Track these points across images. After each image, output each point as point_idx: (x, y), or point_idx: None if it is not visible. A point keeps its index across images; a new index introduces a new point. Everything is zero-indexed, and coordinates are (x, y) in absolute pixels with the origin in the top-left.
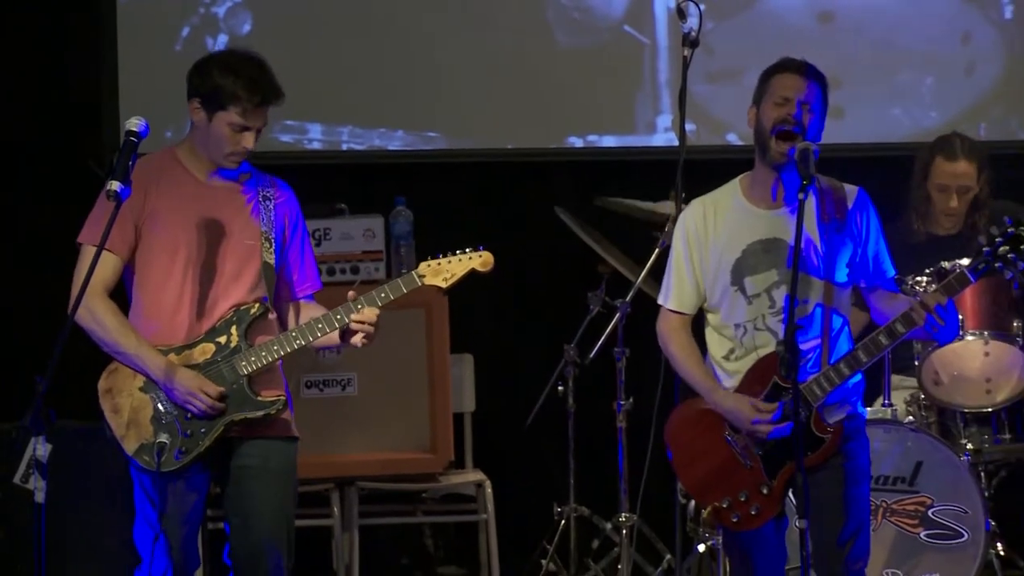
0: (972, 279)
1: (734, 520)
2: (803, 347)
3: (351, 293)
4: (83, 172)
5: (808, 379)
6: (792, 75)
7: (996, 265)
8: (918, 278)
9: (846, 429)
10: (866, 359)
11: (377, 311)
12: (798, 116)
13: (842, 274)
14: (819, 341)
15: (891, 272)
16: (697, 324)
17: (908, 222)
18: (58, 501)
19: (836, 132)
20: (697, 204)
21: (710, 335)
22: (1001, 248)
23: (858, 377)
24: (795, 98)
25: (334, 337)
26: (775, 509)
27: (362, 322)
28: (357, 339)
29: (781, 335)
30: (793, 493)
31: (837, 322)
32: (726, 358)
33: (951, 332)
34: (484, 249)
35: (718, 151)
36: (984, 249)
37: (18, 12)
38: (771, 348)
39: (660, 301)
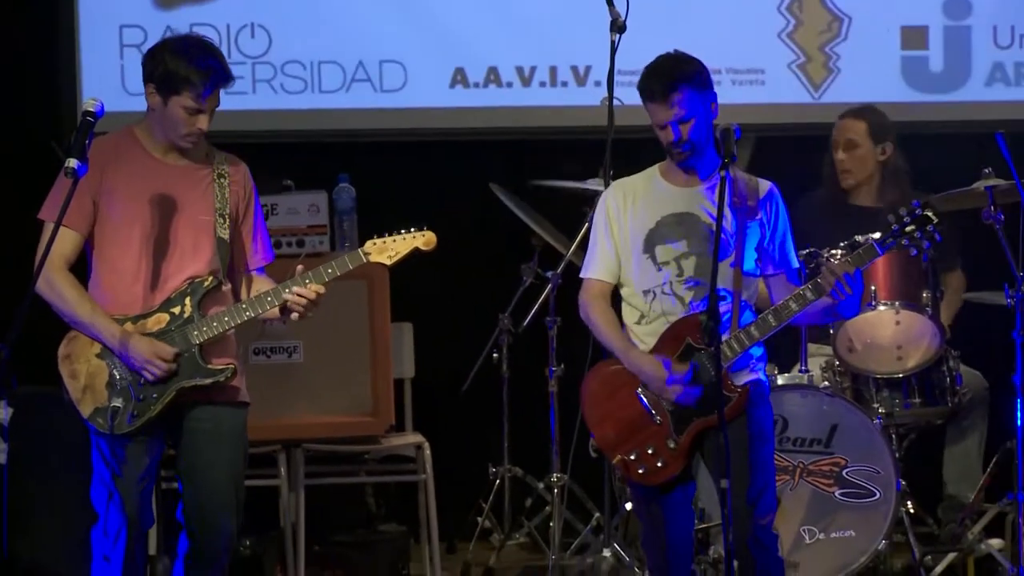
0: (880, 252)
1: (640, 472)
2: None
3: (299, 267)
4: (45, 151)
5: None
6: (651, 103)
7: (903, 242)
8: (832, 251)
9: (751, 393)
10: (775, 323)
11: (322, 288)
12: (677, 140)
13: (750, 257)
14: (729, 308)
15: (795, 264)
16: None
17: (825, 190)
18: (20, 462)
19: None
20: (617, 185)
21: (624, 307)
22: (908, 227)
23: (761, 349)
24: (668, 123)
25: (275, 311)
26: (680, 464)
27: (301, 296)
28: (292, 315)
29: (688, 301)
30: (701, 455)
31: (746, 294)
32: (638, 323)
33: (855, 302)
34: (426, 228)
35: (646, 130)
36: (893, 226)
37: None
38: (679, 314)
39: (583, 274)
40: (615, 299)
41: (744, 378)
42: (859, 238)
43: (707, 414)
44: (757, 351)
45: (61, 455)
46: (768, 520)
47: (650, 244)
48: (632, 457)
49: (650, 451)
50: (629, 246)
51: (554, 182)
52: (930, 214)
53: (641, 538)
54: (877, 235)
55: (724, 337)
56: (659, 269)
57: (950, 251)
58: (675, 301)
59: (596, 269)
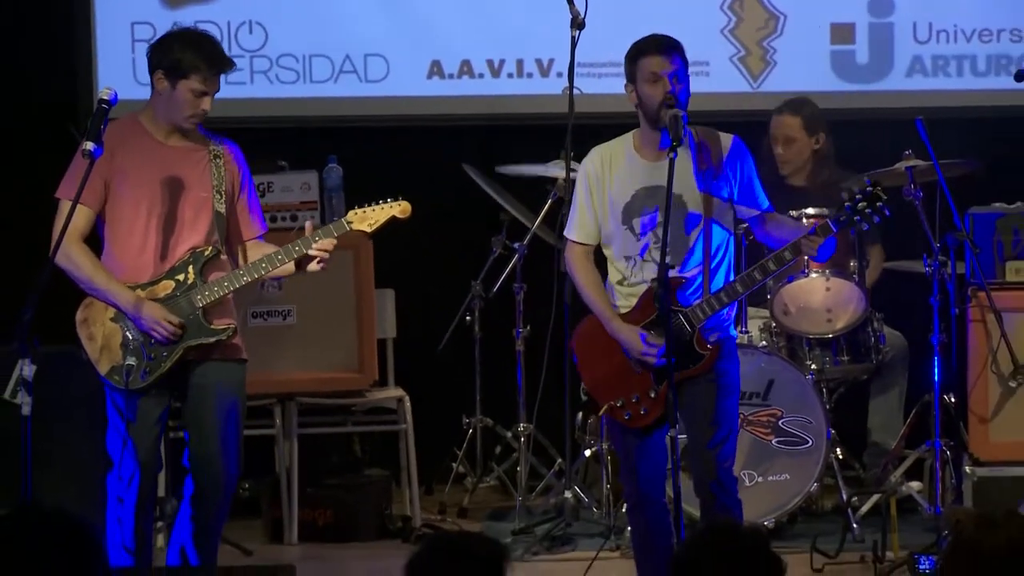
0: (834, 229)
1: (626, 417)
2: (687, 275)
3: (308, 225)
4: (63, 133)
5: (692, 304)
6: (654, 56)
7: (855, 218)
8: (795, 213)
9: (722, 349)
10: (743, 289)
11: (334, 241)
12: (673, 91)
13: (722, 207)
14: (700, 270)
15: (765, 204)
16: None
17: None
18: (41, 414)
19: None
20: (596, 152)
21: (609, 266)
22: (860, 204)
23: (732, 305)
24: (663, 74)
25: (290, 267)
26: (659, 410)
27: (323, 250)
28: (314, 265)
29: (684, 281)
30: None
31: (717, 253)
32: (620, 284)
33: (825, 255)
34: (403, 199)
35: (603, 116)
36: (846, 204)
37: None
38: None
39: (566, 234)
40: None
41: (714, 336)
42: (793, 213)
43: (683, 369)
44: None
45: (78, 408)
46: (729, 463)
47: (628, 215)
48: (619, 404)
49: (634, 399)
50: (608, 214)
51: (517, 167)
52: (879, 192)
53: (620, 472)
54: (811, 210)
55: (697, 301)
56: (637, 238)
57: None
58: (654, 267)
59: (577, 232)
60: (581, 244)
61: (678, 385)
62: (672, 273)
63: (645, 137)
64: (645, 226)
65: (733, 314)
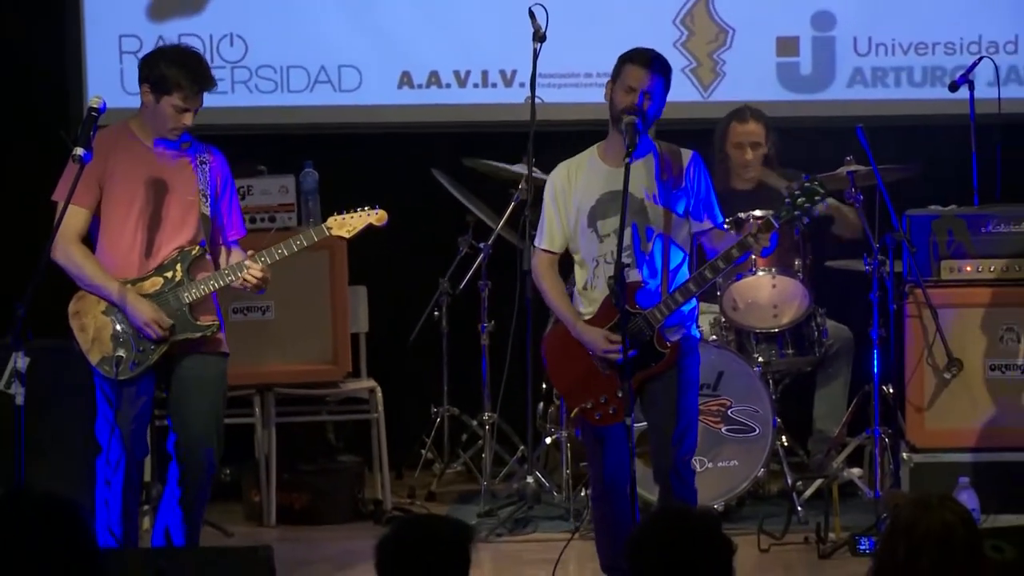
0: (776, 225)
1: (597, 417)
2: (647, 279)
3: (250, 253)
4: (55, 140)
5: (651, 307)
6: (639, 68)
7: (795, 213)
8: (740, 215)
9: (682, 347)
10: (696, 288)
11: (261, 272)
12: (639, 104)
13: (679, 218)
14: (659, 273)
15: (720, 217)
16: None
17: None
18: (34, 403)
19: None
20: (562, 166)
21: (576, 269)
22: (799, 199)
23: (692, 304)
24: (639, 88)
25: (238, 285)
26: (628, 405)
27: (252, 276)
28: (247, 289)
29: (627, 267)
30: (640, 399)
31: (676, 258)
32: (585, 288)
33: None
34: (379, 208)
35: (562, 124)
36: (786, 200)
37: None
38: (625, 277)
39: (535, 243)
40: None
41: (675, 335)
42: (741, 215)
43: (645, 367)
44: (688, 307)
45: (69, 398)
46: (689, 456)
47: (592, 219)
48: (589, 406)
49: (603, 400)
50: (575, 220)
51: (486, 161)
52: (817, 186)
53: (588, 463)
54: (759, 212)
55: (656, 303)
56: (602, 241)
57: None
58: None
59: (545, 240)
60: (547, 252)
61: (642, 382)
62: (633, 276)
63: (610, 143)
64: (608, 229)
65: (696, 314)
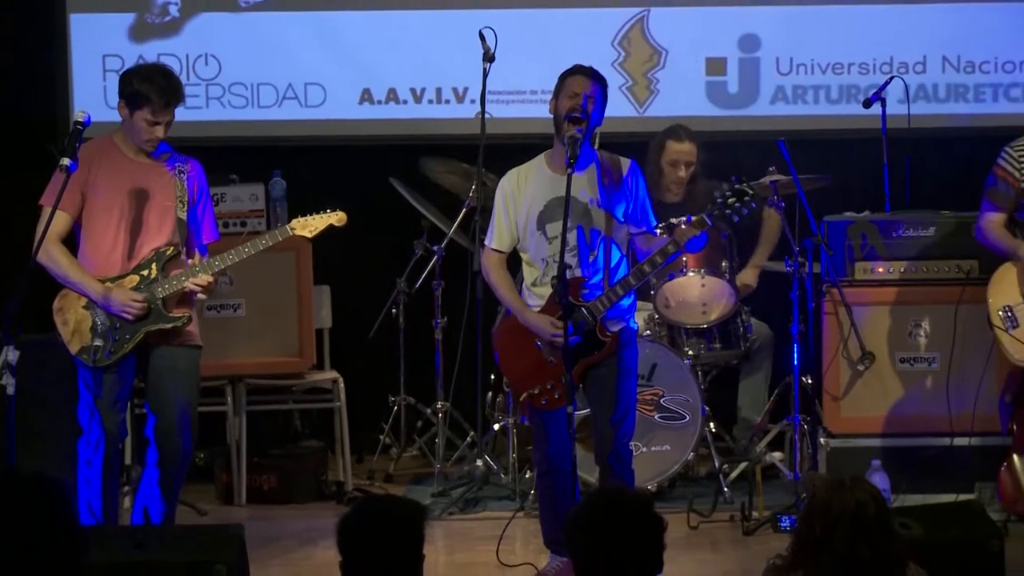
0: (709, 222)
1: (544, 402)
2: (590, 276)
3: (197, 257)
4: (42, 152)
5: (593, 299)
6: (581, 76)
7: (727, 212)
8: (672, 220)
9: (622, 337)
10: (635, 282)
11: (209, 278)
12: (584, 106)
13: (619, 223)
14: (602, 271)
15: (654, 222)
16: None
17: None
18: (24, 392)
19: None
20: (512, 172)
21: (524, 267)
22: (730, 200)
23: (631, 299)
24: (582, 93)
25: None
26: (570, 392)
27: (197, 284)
28: (199, 296)
29: (574, 267)
30: (583, 385)
31: (615, 256)
32: (534, 284)
33: (698, 245)
34: (339, 210)
35: (510, 137)
36: (718, 201)
37: None
38: (567, 277)
39: (485, 243)
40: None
41: (615, 326)
42: (673, 220)
43: (588, 355)
44: (627, 302)
45: (54, 385)
46: (628, 438)
47: (541, 222)
48: (536, 391)
49: (549, 386)
50: (524, 223)
51: (442, 160)
52: (746, 188)
53: (533, 443)
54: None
55: (598, 296)
56: (549, 242)
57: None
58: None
59: (495, 241)
60: (496, 251)
61: (585, 369)
62: (575, 273)
63: (556, 153)
64: (556, 232)
65: (633, 308)
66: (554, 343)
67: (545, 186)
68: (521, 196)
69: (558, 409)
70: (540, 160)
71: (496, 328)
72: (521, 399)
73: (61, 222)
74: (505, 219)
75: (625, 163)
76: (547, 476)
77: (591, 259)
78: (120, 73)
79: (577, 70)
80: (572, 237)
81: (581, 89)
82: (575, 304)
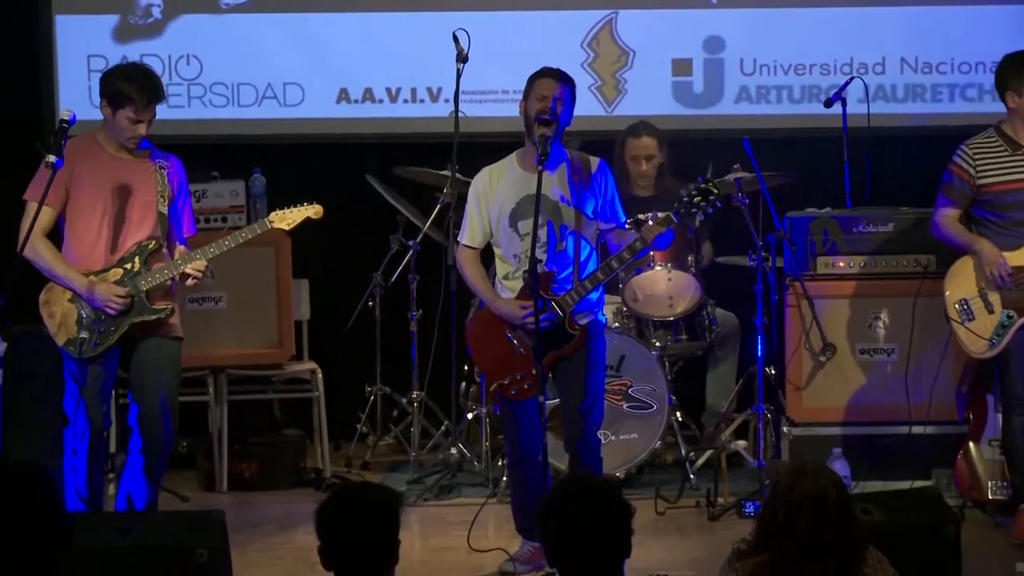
0: (675, 220)
1: (513, 392)
2: (560, 270)
3: (183, 249)
4: (29, 149)
5: (563, 293)
6: (549, 79)
7: (692, 210)
8: (640, 216)
9: (590, 330)
10: (603, 277)
11: (204, 263)
12: (553, 108)
13: (589, 219)
14: (571, 266)
15: (623, 218)
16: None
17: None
18: (11, 383)
19: None
20: (485, 171)
21: (497, 262)
22: (696, 198)
23: (599, 292)
24: (551, 95)
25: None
26: (541, 382)
27: (196, 269)
28: (190, 282)
29: (544, 262)
30: (553, 376)
31: (584, 251)
32: (506, 277)
33: (665, 243)
34: (316, 203)
35: (482, 135)
36: (684, 199)
37: None
38: (538, 271)
39: (459, 239)
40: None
41: (584, 319)
42: (641, 216)
43: (557, 348)
44: (595, 296)
45: (41, 376)
46: (596, 427)
47: (514, 220)
48: (507, 382)
49: (519, 376)
50: (496, 220)
51: (414, 168)
52: (711, 187)
53: (504, 433)
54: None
55: (567, 290)
56: (521, 239)
57: (704, 227)
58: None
59: (468, 237)
60: (470, 247)
61: (555, 360)
62: (547, 268)
63: (526, 152)
64: (527, 228)
65: (602, 302)
66: (525, 326)
67: (516, 184)
68: (493, 194)
69: (527, 399)
70: (511, 159)
71: (469, 320)
72: (492, 389)
73: (46, 217)
74: (478, 216)
75: (594, 161)
76: (518, 465)
77: (559, 251)
78: (102, 73)
79: (546, 72)
80: (543, 233)
81: (550, 92)
82: (545, 298)
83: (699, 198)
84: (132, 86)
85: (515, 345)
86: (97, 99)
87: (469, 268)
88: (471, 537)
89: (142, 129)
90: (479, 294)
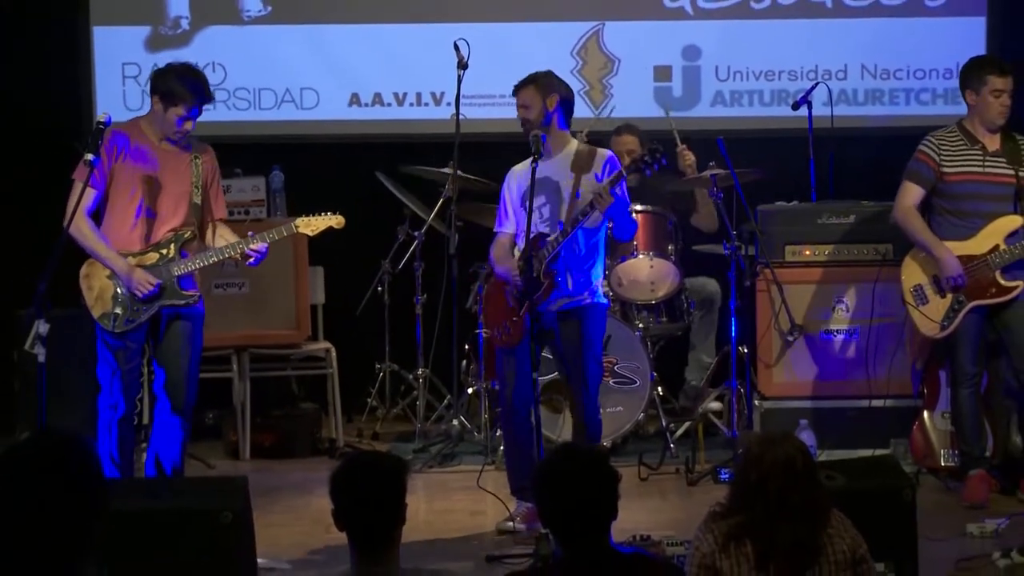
0: (624, 174)
1: (499, 338)
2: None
3: (250, 233)
4: (68, 148)
5: (543, 247)
6: (517, 92)
7: (641, 166)
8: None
9: (588, 312)
10: (570, 229)
11: (267, 244)
12: (525, 116)
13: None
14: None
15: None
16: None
17: None
18: (53, 361)
19: None
20: (511, 171)
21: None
22: (645, 157)
23: (598, 275)
24: (520, 105)
25: (237, 257)
26: (520, 334)
27: (256, 250)
28: (250, 261)
29: (546, 237)
30: (553, 353)
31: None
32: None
33: (629, 232)
34: (339, 213)
35: (482, 136)
36: (636, 159)
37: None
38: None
39: (495, 229)
40: None
41: (585, 299)
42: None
43: (532, 294)
44: (595, 277)
45: (78, 354)
46: (595, 391)
47: (523, 201)
48: (496, 332)
49: (504, 324)
50: (515, 204)
51: (419, 167)
52: (657, 149)
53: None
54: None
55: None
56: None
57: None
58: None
59: (499, 225)
60: (503, 233)
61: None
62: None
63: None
64: (536, 205)
65: (600, 284)
66: (512, 280)
67: (527, 175)
68: (515, 185)
69: (513, 347)
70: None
71: (486, 286)
72: (487, 335)
73: (89, 198)
74: (508, 206)
75: (603, 153)
76: (510, 420)
77: (558, 221)
78: (155, 70)
79: (515, 88)
80: (546, 210)
81: (519, 102)
82: (533, 256)
83: (647, 156)
84: (186, 88)
85: (508, 301)
86: (131, 103)
87: (496, 251)
88: (479, 481)
89: (190, 126)
90: (492, 265)
